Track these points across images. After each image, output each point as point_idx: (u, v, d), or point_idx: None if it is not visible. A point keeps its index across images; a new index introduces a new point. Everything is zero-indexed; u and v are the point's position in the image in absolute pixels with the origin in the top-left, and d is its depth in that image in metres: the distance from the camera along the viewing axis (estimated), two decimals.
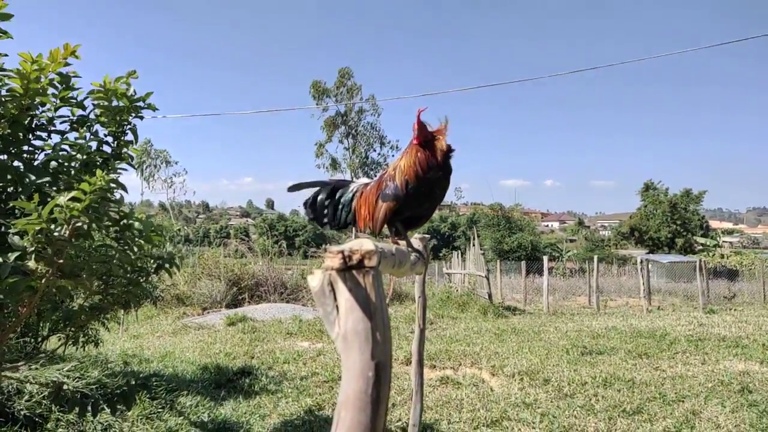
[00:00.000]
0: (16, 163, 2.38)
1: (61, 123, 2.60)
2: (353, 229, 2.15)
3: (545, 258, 15.08)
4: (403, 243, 2.03)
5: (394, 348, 6.24)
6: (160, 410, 4.16)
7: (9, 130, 2.35)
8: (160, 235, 2.56)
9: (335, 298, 0.83)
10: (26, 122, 2.45)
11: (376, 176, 2.23)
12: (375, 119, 37.66)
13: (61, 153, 2.47)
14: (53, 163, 2.41)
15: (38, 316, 2.99)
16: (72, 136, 2.59)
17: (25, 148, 2.45)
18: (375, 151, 37.96)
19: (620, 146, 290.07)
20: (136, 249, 2.56)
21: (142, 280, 2.77)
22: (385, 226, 2.02)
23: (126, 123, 2.65)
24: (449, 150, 1.95)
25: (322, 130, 37.22)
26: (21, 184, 2.31)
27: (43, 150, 2.50)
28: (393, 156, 36.95)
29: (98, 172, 2.11)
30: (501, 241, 36.65)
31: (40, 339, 4.12)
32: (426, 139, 1.92)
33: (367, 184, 2.15)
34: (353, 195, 2.14)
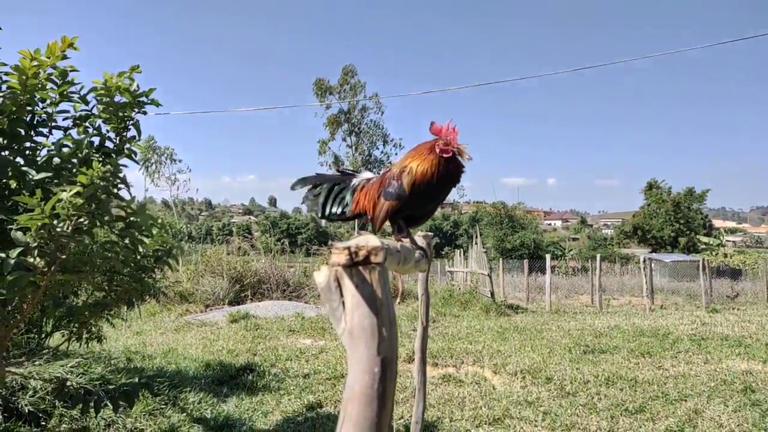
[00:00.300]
0: (17, 160, 2.38)
1: (64, 120, 2.59)
2: (356, 225, 2.13)
3: (548, 256, 15.06)
4: (406, 240, 2.02)
5: None
6: (163, 406, 4.17)
7: (9, 127, 2.34)
8: (160, 227, 2.56)
9: (341, 294, 0.83)
10: (27, 118, 2.44)
11: (379, 173, 2.21)
12: (378, 117, 37.65)
13: (63, 149, 2.47)
14: (56, 159, 2.40)
15: (42, 312, 2.99)
16: (75, 132, 2.58)
17: (27, 144, 2.44)
18: (378, 149, 37.98)
19: (623, 145, 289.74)
20: (140, 248, 2.56)
21: (144, 276, 2.77)
22: (387, 222, 2.01)
23: (128, 119, 2.64)
24: (462, 167, 1.94)
25: (325, 127, 37.23)
26: (23, 180, 2.31)
27: (45, 146, 2.50)
28: (396, 154, 36.97)
29: (95, 164, 2.10)
30: (503, 239, 36.60)
31: (44, 335, 4.13)
32: (454, 153, 1.90)
33: (369, 179, 2.14)
34: (354, 189, 2.13)
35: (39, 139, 2.51)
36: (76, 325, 2.99)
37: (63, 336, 3.69)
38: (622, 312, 12.78)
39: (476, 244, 14.70)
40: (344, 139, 37.75)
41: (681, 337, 7.63)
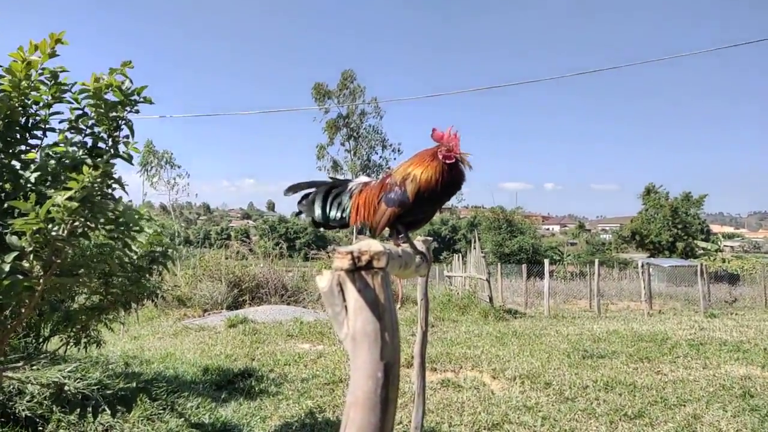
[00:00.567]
0: (12, 163, 2.35)
1: (60, 123, 2.54)
2: (355, 229, 2.12)
3: (546, 261, 15.05)
4: (406, 245, 2.02)
5: None
6: (161, 411, 4.14)
7: (3, 130, 2.31)
8: (148, 220, 2.53)
9: (344, 299, 0.83)
10: (21, 121, 2.41)
11: (377, 177, 2.19)
12: (377, 122, 37.66)
13: (54, 153, 2.42)
14: (51, 162, 2.38)
15: (39, 316, 2.98)
16: (70, 134, 2.54)
17: (22, 147, 2.41)
18: (377, 153, 37.94)
19: (622, 150, 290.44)
20: (134, 247, 2.53)
21: (140, 277, 2.75)
22: (386, 228, 2.01)
23: (120, 118, 2.55)
24: (463, 173, 1.94)
25: (324, 132, 37.21)
26: (17, 183, 2.28)
27: (39, 149, 2.46)
28: (395, 159, 36.92)
29: (85, 168, 2.08)
30: (502, 244, 36.66)
31: (41, 339, 4.11)
32: (457, 159, 1.90)
33: (366, 184, 2.12)
34: (351, 194, 2.11)
35: (33, 142, 2.47)
36: (74, 329, 2.97)
37: (61, 340, 3.68)
38: (621, 317, 12.77)
39: (475, 248, 14.69)
40: (343, 144, 37.74)
41: (679, 342, 7.63)
